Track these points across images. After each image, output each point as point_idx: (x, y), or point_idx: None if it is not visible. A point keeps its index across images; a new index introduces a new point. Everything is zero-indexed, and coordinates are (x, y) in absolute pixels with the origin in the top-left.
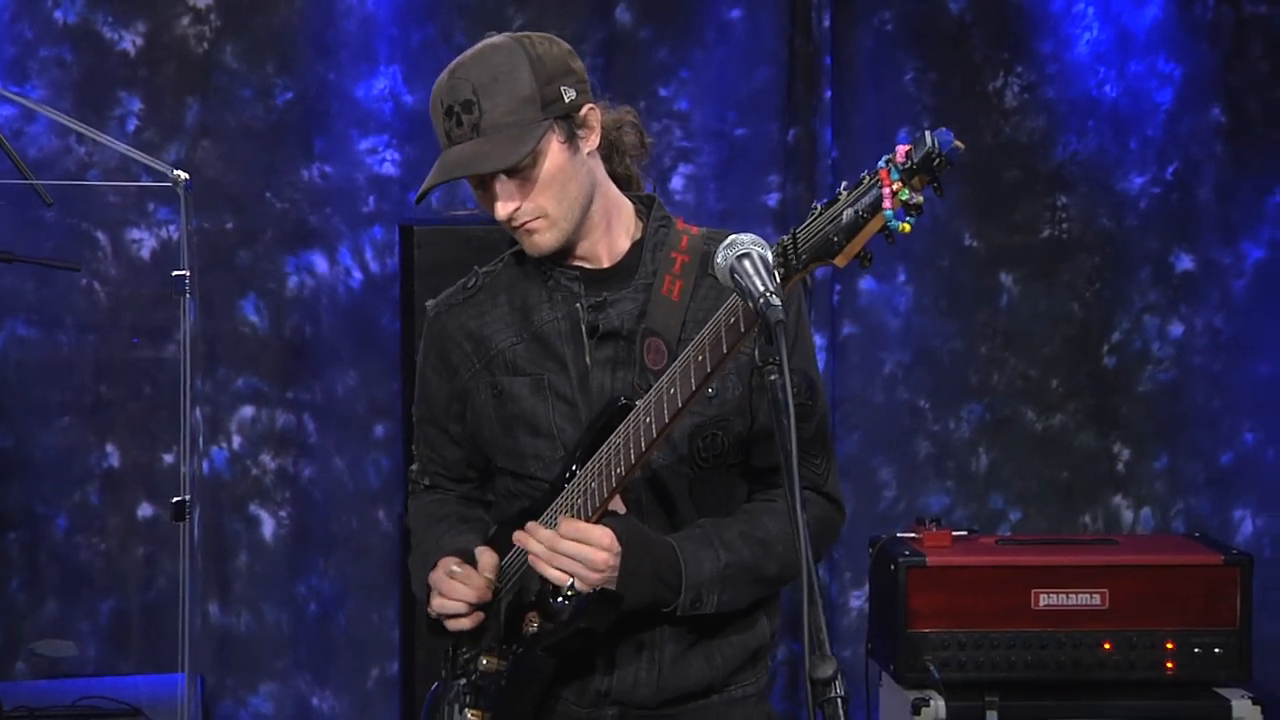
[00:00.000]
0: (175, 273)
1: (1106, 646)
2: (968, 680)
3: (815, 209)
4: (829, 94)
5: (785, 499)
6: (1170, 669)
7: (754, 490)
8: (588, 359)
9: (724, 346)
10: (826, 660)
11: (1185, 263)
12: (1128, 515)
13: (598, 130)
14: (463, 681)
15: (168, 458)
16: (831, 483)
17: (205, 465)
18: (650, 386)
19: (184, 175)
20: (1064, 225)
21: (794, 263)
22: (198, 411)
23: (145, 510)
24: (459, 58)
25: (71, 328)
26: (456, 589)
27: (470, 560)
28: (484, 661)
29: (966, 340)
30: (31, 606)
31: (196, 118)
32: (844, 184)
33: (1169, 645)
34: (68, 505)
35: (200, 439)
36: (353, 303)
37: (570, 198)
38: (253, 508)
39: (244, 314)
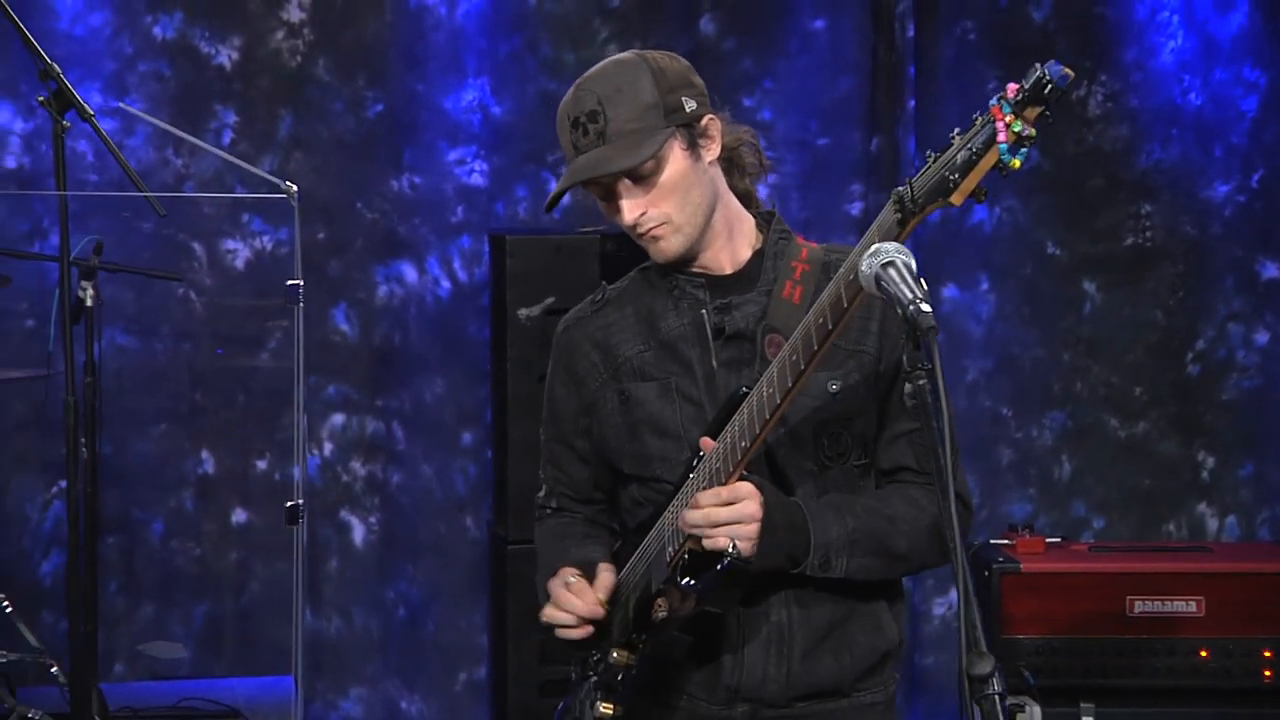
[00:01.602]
0: (289, 282)
1: (1203, 654)
2: (1062, 686)
3: (930, 156)
4: (912, 103)
5: (934, 492)
6: (1268, 677)
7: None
8: (714, 361)
9: (845, 302)
10: (984, 657)
11: (1270, 270)
12: (1212, 524)
13: (719, 140)
14: (593, 679)
15: (260, 464)
16: (960, 480)
17: (297, 472)
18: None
19: (294, 187)
20: (1147, 233)
21: (911, 206)
22: (306, 420)
23: (239, 516)
24: (584, 74)
25: (168, 336)
26: (569, 601)
27: (591, 574)
28: (614, 655)
29: (1049, 348)
30: (129, 610)
31: (289, 130)
32: (955, 130)
33: (1266, 653)
34: (164, 511)
35: (307, 445)
36: (441, 312)
37: (693, 204)
38: (343, 514)
39: (335, 323)
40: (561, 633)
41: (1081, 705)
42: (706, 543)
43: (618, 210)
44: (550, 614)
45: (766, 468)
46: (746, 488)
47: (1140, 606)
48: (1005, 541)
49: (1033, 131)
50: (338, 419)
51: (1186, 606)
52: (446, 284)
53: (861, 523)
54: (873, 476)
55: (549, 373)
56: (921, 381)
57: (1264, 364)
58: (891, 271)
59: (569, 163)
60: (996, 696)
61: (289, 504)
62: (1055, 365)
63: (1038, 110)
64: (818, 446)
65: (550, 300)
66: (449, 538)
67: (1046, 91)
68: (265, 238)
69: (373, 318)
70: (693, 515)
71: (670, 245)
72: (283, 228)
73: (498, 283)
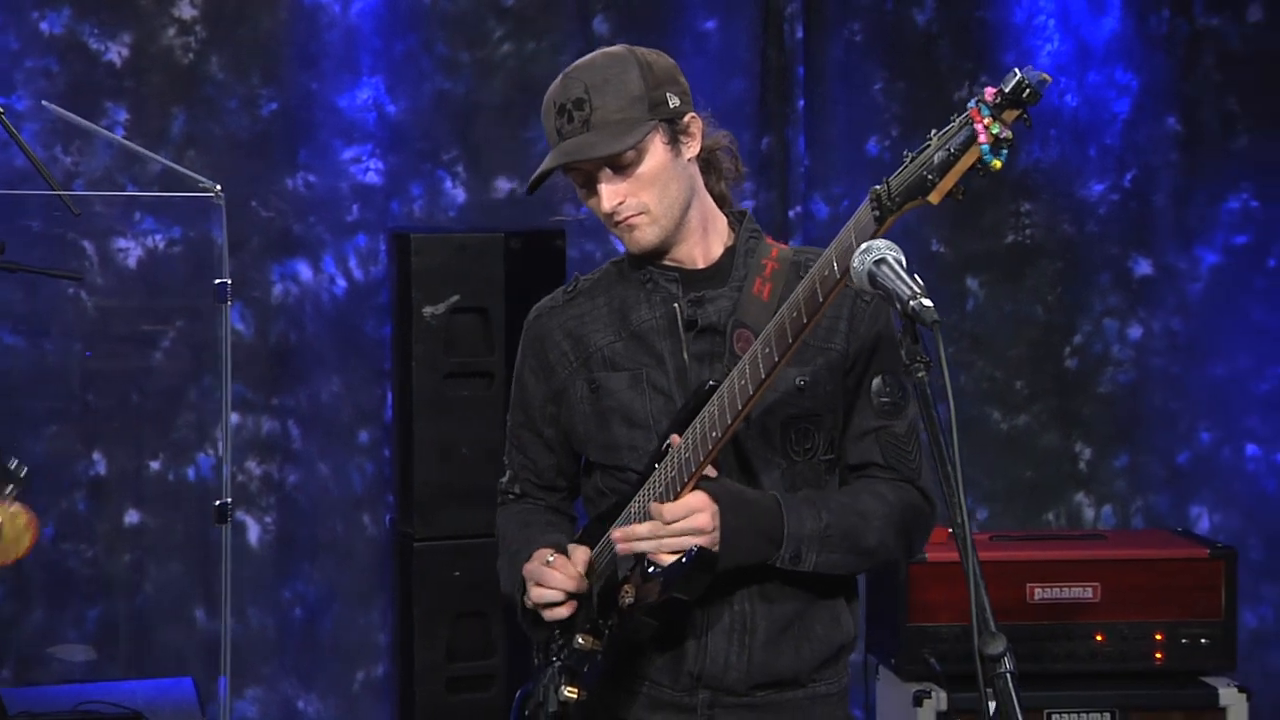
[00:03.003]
0: (216, 280)
1: (1099, 638)
2: (967, 672)
3: (907, 156)
4: (801, 104)
5: (900, 486)
6: (1159, 659)
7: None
8: (685, 354)
9: (820, 297)
10: (996, 638)
11: (1143, 267)
12: (1089, 513)
13: (699, 139)
14: (557, 664)
15: (154, 465)
16: (925, 477)
17: (191, 472)
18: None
19: (218, 186)
20: (1028, 231)
21: (889, 204)
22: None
23: (132, 517)
24: (573, 64)
25: (58, 336)
26: (554, 577)
27: (564, 553)
28: (579, 641)
29: (932, 342)
30: (20, 614)
31: (182, 128)
32: (933, 131)
33: (1158, 636)
34: (55, 513)
35: (202, 445)
36: (337, 310)
37: (671, 196)
38: (238, 514)
39: (229, 322)
40: (549, 613)
41: (986, 690)
42: (660, 560)
43: (596, 197)
44: (539, 594)
45: (736, 461)
46: (698, 499)
47: (1040, 594)
48: None
49: (1010, 134)
50: (233, 418)
51: (1084, 593)
52: (343, 282)
53: (835, 519)
54: (838, 472)
55: (518, 360)
56: (921, 374)
57: (1138, 358)
58: (885, 268)
59: (552, 148)
60: (1009, 675)
61: (217, 503)
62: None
63: (1015, 113)
64: (785, 441)
65: (455, 298)
66: (346, 537)
67: (1025, 95)
68: (157, 236)
69: (268, 316)
70: (641, 544)
71: (645, 235)
72: (174, 226)
73: (401, 281)
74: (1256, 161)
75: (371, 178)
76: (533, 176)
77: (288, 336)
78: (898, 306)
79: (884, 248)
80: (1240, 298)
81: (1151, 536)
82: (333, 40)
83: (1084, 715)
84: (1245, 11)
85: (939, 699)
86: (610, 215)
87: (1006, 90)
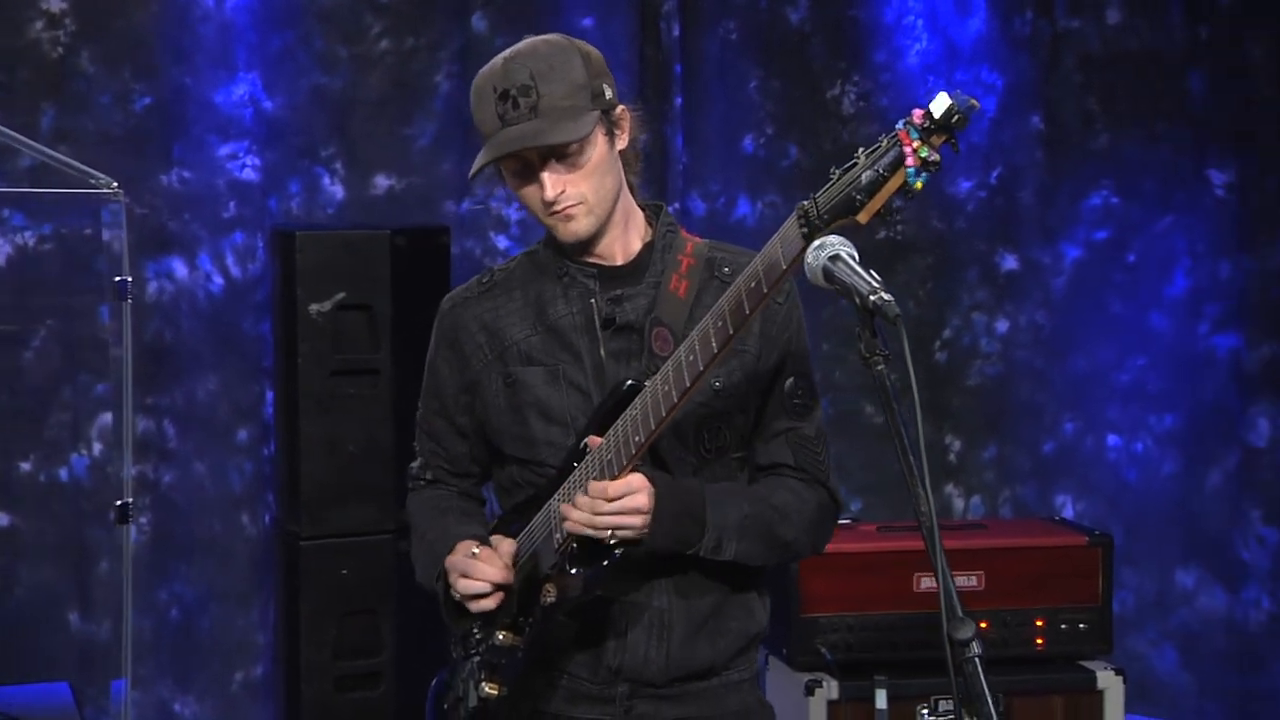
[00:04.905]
0: (117, 278)
1: (983, 625)
2: (856, 661)
3: (833, 173)
4: (679, 101)
5: (811, 486)
6: (1040, 645)
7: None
8: (602, 351)
9: (746, 309)
10: (965, 623)
11: (1009, 263)
12: (959, 504)
13: (628, 132)
14: (476, 659)
15: (25, 465)
16: (832, 479)
17: (64, 473)
18: (658, 371)
19: (115, 183)
20: (899, 227)
21: (817, 222)
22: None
23: (1, 520)
24: (510, 49)
25: None
26: (481, 569)
27: (486, 544)
28: (499, 636)
29: (810, 338)
30: None
31: (53, 124)
32: (860, 149)
33: (1039, 622)
34: None
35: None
36: (213, 308)
37: (606, 188)
38: (113, 515)
39: (103, 320)
40: (475, 604)
41: (875, 678)
42: (588, 533)
43: (534, 184)
44: (466, 585)
45: (650, 459)
46: (638, 480)
47: (926, 583)
48: None
49: (938, 157)
50: (106, 418)
51: (968, 581)
52: (219, 280)
53: (754, 509)
54: (747, 470)
55: (431, 349)
56: (880, 367)
57: (1004, 351)
58: (841, 264)
59: (490, 135)
60: (977, 659)
61: (118, 503)
62: (815, 354)
63: (943, 137)
64: (698, 440)
65: (341, 296)
66: (224, 536)
67: (954, 120)
68: (28, 234)
69: (143, 315)
70: (575, 513)
71: (581, 226)
72: (45, 224)
73: (285, 279)
74: (1116, 159)
75: (248, 174)
76: (477, 164)
77: (163, 335)
78: (857, 301)
79: (837, 243)
80: (1101, 292)
81: (1031, 526)
82: (207, 34)
83: None
84: (1104, 14)
85: (830, 688)
86: (550, 204)
87: (935, 115)
